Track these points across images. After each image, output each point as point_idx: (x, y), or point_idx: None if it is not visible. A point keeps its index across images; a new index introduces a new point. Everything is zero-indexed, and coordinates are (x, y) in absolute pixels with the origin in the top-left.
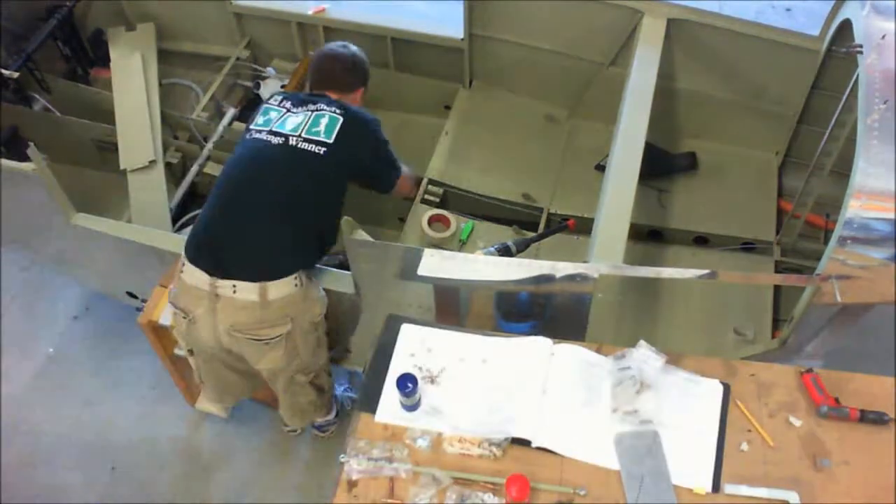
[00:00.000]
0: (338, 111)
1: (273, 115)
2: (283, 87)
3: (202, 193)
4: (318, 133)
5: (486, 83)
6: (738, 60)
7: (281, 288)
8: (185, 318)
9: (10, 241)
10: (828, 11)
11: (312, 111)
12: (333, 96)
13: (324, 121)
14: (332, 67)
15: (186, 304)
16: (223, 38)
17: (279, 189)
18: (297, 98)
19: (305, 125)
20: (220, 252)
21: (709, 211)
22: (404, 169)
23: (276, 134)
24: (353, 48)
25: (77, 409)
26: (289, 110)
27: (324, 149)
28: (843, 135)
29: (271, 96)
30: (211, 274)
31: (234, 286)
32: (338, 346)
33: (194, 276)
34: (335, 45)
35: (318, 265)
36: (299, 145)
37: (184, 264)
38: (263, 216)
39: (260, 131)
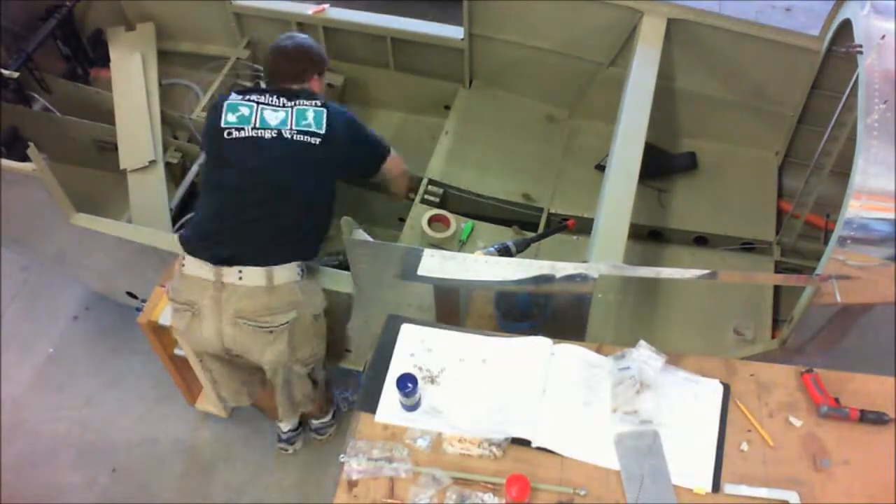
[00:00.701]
0: (317, 104)
1: (244, 110)
2: None
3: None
4: (308, 126)
5: (486, 83)
6: (738, 60)
7: (286, 273)
8: (189, 311)
9: (10, 241)
10: (828, 11)
11: (292, 105)
12: (293, 87)
13: (310, 114)
14: (276, 61)
15: (190, 296)
16: (223, 38)
17: (282, 177)
18: (261, 91)
19: (292, 118)
20: (225, 241)
21: (709, 211)
22: (392, 151)
23: (264, 129)
24: (300, 37)
25: (77, 409)
26: (259, 103)
27: (318, 139)
28: (843, 135)
29: (236, 91)
30: (215, 263)
31: (241, 272)
32: (336, 347)
33: (197, 267)
34: (281, 38)
35: (318, 265)
36: (295, 137)
37: (184, 258)
38: (268, 203)
39: (241, 129)
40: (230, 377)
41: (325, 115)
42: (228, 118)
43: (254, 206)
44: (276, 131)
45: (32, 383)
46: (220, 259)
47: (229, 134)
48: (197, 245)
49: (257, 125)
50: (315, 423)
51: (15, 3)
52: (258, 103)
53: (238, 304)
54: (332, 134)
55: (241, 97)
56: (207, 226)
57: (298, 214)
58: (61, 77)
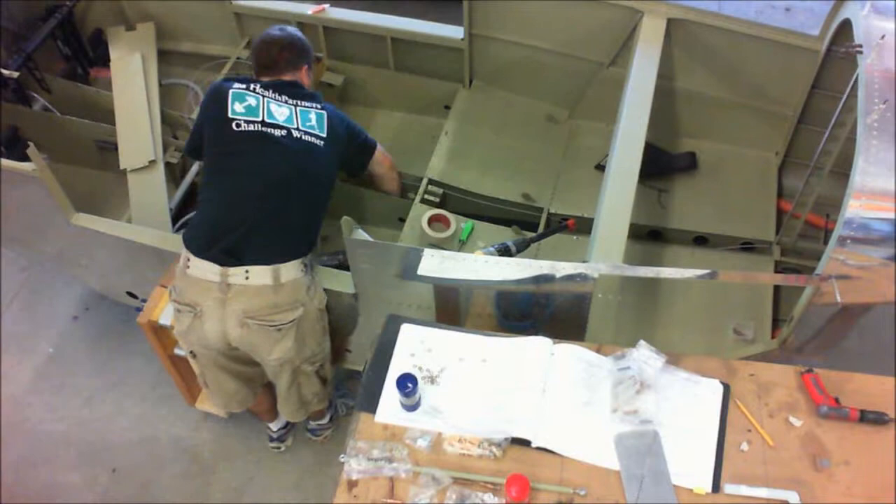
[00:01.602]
0: (318, 106)
1: (251, 100)
2: None
3: None
4: (312, 127)
5: (486, 83)
6: (738, 60)
7: (291, 270)
8: (191, 312)
9: (10, 241)
10: (828, 11)
11: (295, 105)
12: (286, 78)
13: (312, 116)
14: (269, 51)
15: (193, 297)
16: (223, 38)
17: (289, 175)
18: (265, 84)
19: (297, 118)
20: (232, 240)
21: (708, 211)
22: (378, 145)
23: (274, 126)
24: (289, 28)
25: (77, 409)
26: (265, 96)
27: (321, 141)
28: (843, 135)
29: (229, 80)
30: (222, 264)
31: (247, 272)
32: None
33: (203, 269)
34: (271, 29)
35: (318, 263)
36: (303, 137)
37: (189, 259)
38: (274, 201)
39: (250, 121)
40: (223, 382)
41: (325, 119)
42: (236, 108)
43: (261, 204)
44: (285, 130)
45: (32, 383)
46: (227, 259)
47: (237, 126)
48: (202, 245)
49: (266, 119)
50: (312, 423)
51: (15, 3)
52: (263, 95)
53: (246, 304)
54: (333, 136)
55: (244, 86)
56: (213, 224)
57: (302, 212)
58: (61, 77)
